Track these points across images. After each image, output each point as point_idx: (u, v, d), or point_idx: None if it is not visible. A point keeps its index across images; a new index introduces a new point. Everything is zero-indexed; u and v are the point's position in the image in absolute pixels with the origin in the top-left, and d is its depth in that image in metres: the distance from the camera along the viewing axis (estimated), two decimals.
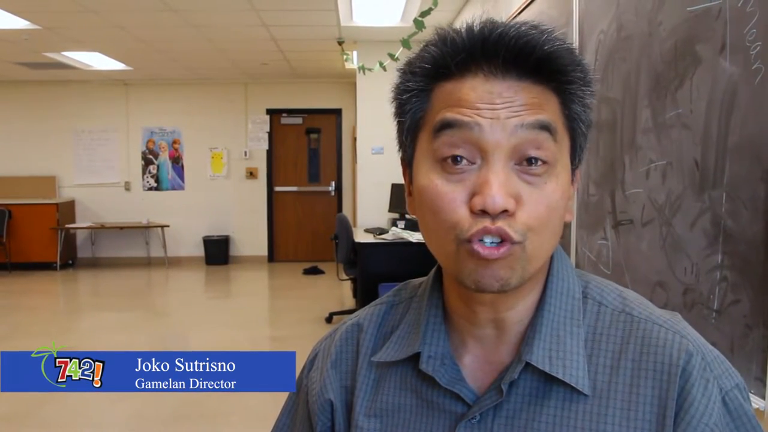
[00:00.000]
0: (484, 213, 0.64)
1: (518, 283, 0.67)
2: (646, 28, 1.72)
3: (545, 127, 0.65)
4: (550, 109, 0.66)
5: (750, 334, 1.27)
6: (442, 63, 0.67)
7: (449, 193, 0.66)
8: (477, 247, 0.65)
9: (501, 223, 0.64)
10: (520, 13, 3.10)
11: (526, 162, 0.65)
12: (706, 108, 1.42)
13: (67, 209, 9.10)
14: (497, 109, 0.64)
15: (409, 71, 0.70)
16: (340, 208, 9.42)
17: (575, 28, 2.29)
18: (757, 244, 1.25)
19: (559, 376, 0.68)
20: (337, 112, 9.49)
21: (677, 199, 1.56)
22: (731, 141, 1.33)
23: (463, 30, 0.67)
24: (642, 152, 1.75)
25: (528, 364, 0.69)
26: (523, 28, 0.65)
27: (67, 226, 8.89)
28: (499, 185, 0.63)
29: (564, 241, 2.39)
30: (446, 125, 0.66)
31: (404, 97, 0.70)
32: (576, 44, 2.28)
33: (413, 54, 0.71)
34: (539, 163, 0.65)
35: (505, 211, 0.64)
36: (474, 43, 0.66)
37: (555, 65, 0.66)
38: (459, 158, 0.65)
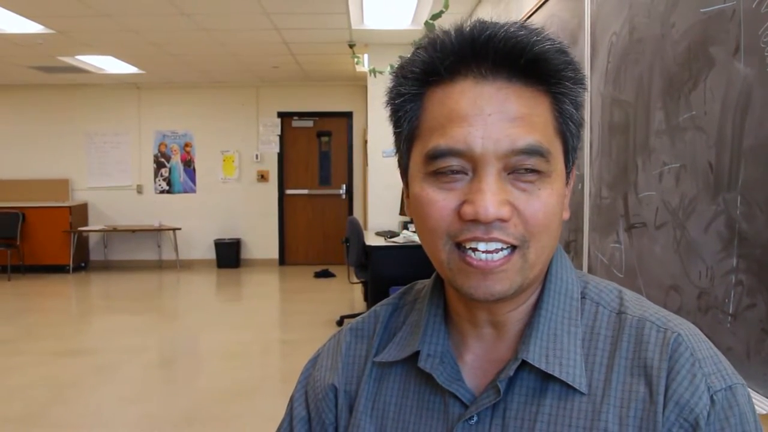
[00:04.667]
0: (476, 222, 0.64)
1: (517, 291, 0.68)
2: (659, 29, 1.71)
3: (536, 152, 0.64)
4: (541, 120, 0.66)
5: (766, 339, 1.26)
6: (432, 67, 0.67)
7: (440, 201, 0.66)
8: (469, 258, 0.65)
9: (496, 233, 0.64)
10: (531, 15, 3.09)
11: (519, 171, 0.65)
12: (720, 110, 1.41)
13: (80, 212, 9.17)
14: (488, 122, 0.64)
15: (401, 75, 0.70)
16: (351, 211, 9.43)
17: (587, 30, 2.28)
18: None
19: (556, 374, 0.68)
20: (348, 115, 9.51)
21: (691, 202, 1.54)
22: (746, 143, 1.32)
23: (452, 32, 0.67)
24: (655, 155, 1.74)
25: (525, 363, 0.69)
26: (512, 29, 0.64)
27: (79, 228, 8.95)
28: (492, 194, 0.63)
29: (576, 245, 2.38)
30: (439, 154, 0.66)
31: (397, 101, 0.70)
32: (588, 46, 2.26)
33: (406, 57, 0.71)
34: (532, 171, 0.65)
35: (500, 220, 0.64)
36: (463, 46, 0.65)
37: (545, 66, 0.65)
38: (451, 169, 0.66)
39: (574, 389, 0.68)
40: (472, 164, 0.65)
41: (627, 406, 0.66)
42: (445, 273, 0.69)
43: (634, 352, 0.68)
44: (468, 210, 0.64)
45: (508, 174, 0.65)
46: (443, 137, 0.65)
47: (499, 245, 0.65)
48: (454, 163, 0.65)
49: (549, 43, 0.65)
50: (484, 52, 0.65)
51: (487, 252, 0.65)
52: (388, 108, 0.72)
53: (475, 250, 0.65)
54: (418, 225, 0.70)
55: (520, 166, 0.64)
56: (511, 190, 0.65)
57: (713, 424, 0.64)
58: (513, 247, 0.66)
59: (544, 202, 0.66)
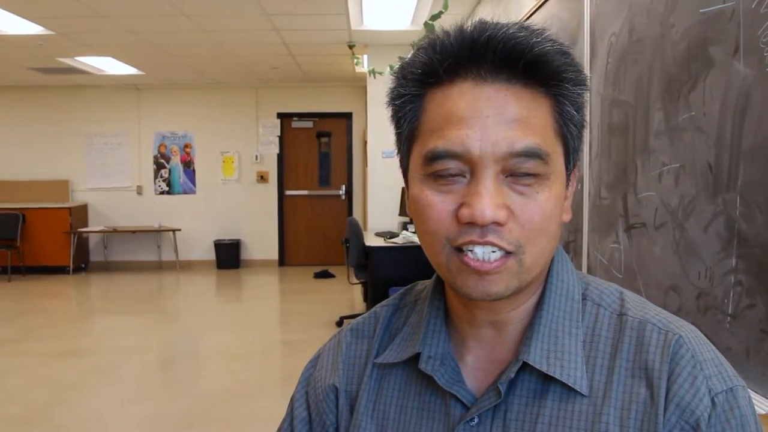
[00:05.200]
0: (472, 225, 0.64)
1: (514, 292, 0.67)
2: (659, 30, 1.71)
3: (534, 154, 0.64)
4: (540, 122, 0.65)
5: (765, 339, 1.26)
6: (432, 69, 0.67)
7: (438, 204, 0.66)
8: (467, 259, 0.65)
9: (491, 237, 0.64)
10: (530, 15, 3.09)
11: (517, 174, 0.64)
12: (719, 110, 1.41)
13: (80, 213, 9.17)
14: (486, 125, 0.63)
15: (402, 76, 0.70)
16: (350, 212, 9.43)
17: (587, 31, 2.28)
18: None
19: (557, 376, 0.68)
20: (348, 116, 9.51)
21: (690, 202, 1.54)
22: (745, 144, 1.32)
23: (452, 33, 0.66)
24: (654, 155, 1.74)
25: (526, 365, 0.69)
26: (512, 30, 0.64)
27: (79, 229, 8.96)
28: (489, 197, 0.63)
29: (576, 245, 2.38)
30: (437, 156, 0.65)
31: (398, 102, 0.70)
32: (587, 47, 2.27)
33: (407, 58, 0.71)
34: (530, 174, 0.65)
35: (497, 223, 0.63)
36: (462, 47, 0.65)
37: (545, 67, 0.65)
38: (449, 171, 0.65)
39: (575, 391, 0.68)
40: (470, 166, 0.65)
41: (628, 408, 0.66)
42: (444, 274, 0.69)
43: (635, 353, 0.68)
44: (465, 213, 0.64)
45: (506, 177, 0.65)
46: (441, 139, 0.65)
47: (494, 248, 0.65)
48: (451, 165, 0.65)
49: (549, 44, 0.64)
50: (483, 54, 0.64)
51: (484, 252, 0.65)
52: (390, 109, 0.72)
53: (472, 251, 0.65)
54: (418, 226, 0.70)
55: (518, 170, 0.64)
56: (509, 193, 0.64)
57: (714, 426, 0.64)
58: (508, 252, 0.65)
59: (541, 205, 0.65)
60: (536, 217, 0.65)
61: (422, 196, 0.67)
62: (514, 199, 0.64)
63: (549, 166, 0.65)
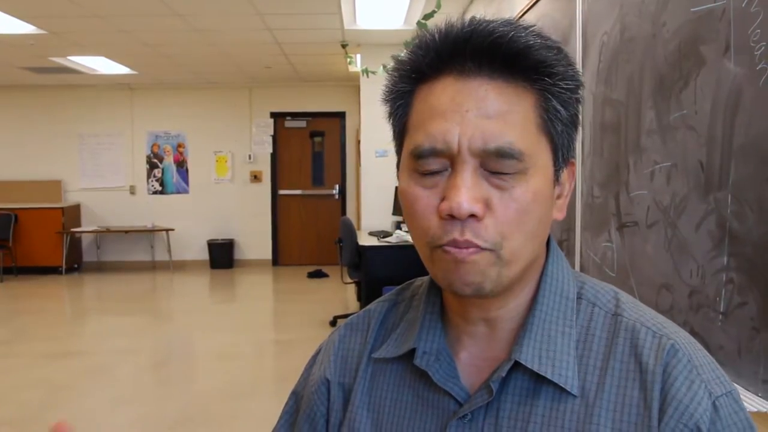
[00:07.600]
0: (452, 218, 0.64)
1: (494, 287, 0.67)
2: (650, 29, 1.72)
3: (507, 154, 0.64)
4: (520, 117, 0.65)
5: (757, 337, 1.26)
6: (417, 65, 0.68)
7: (423, 198, 0.67)
8: (448, 246, 0.65)
9: (469, 235, 0.64)
10: (523, 15, 3.10)
11: (494, 167, 0.65)
12: (710, 109, 1.42)
13: (73, 213, 9.13)
14: (465, 119, 0.64)
15: (394, 74, 0.72)
16: (344, 212, 9.42)
17: (579, 30, 2.29)
18: (763, 246, 1.24)
19: (548, 376, 0.68)
20: (341, 115, 9.50)
21: (682, 200, 1.55)
22: (736, 142, 1.33)
23: (438, 30, 0.67)
24: (646, 154, 1.75)
25: (519, 364, 0.69)
26: (492, 25, 0.64)
27: (72, 230, 8.92)
28: (466, 189, 0.63)
29: (568, 244, 2.38)
30: (421, 152, 0.66)
31: (390, 99, 0.72)
32: (579, 46, 2.27)
33: (400, 56, 0.73)
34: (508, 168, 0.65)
35: (474, 216, 0.64)
36: (445, 43, 0.66)
37: (527, 61, 0.64)
38: (432, 165, 0.66)
39: (567, 391, 0.68)
40: (450, 160, 0.65)
41: (621, 411, 0.66)
42: (429, 267, 0.70)
43: (629, 356, 0.68)
44: (444, 206, 0.64)
45: (485, 170, 0.65)
46: (424, 134, 0.66)
47: (472, 246, 0.65)
48: (434, 159, 0.66)
49: (533, 38, 0.64)
50: (464, 49, 0.65)
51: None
52: (386, 106, 0.73)
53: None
54: (407, 220, 0.71)
55: (492, 168, 0.64)
56: (488, 187, 0.65)
57: (719, 429, 0.63)
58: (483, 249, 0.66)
59: (516, 199, 0.65)
60: (511, 210, 0.65)
61: (409, 191, 0.68)
62: (492, 193, 0.65)
63: (525, 162, 0.65)
